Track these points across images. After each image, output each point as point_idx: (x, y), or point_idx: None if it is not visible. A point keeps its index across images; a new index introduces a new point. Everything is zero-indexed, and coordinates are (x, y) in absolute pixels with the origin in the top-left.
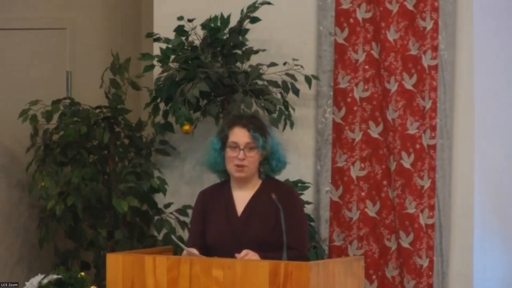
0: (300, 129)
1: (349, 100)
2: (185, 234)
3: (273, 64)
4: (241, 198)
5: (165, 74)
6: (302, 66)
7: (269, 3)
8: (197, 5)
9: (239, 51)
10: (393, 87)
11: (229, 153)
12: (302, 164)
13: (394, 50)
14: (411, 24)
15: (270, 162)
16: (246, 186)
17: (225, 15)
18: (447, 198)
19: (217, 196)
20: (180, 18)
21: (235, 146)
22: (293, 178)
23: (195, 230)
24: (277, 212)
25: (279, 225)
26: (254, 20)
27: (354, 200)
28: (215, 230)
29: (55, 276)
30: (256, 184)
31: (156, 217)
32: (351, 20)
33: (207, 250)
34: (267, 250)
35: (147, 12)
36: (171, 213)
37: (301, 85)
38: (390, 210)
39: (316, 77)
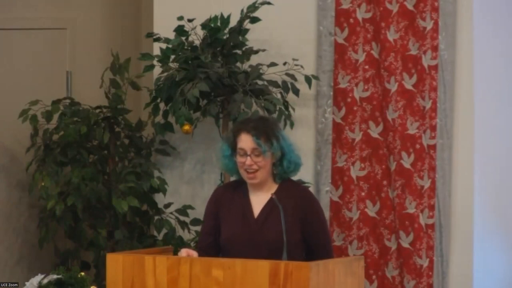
0: (300, 129)
1: (349, 100)
2: (185, 234)
3: (273, 64)
4: (258, 200)
5: (165, 74)
6: (302, 66)
7: (269, 3)
8: (197, 5)
9: (239, 51)
10: (393, 87)
11: (239, 159)
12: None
13: (394, 50)
14: (411, 24)
15: (282, 164)
16: (262, 189)
17: (225, 15)
18: (447, 198)
19: (232, 196)
20: (180, 18)
21: (243, 152)
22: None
23: (206, 229)
24: (294, 213)
25: (295, 226)
26: (254, 20)
27: (354, 200)
28: (231, 231)
29: (55, 276)
30: (272, 187)
31: (156, 217)
32: (351, 20)
33: (218, 249)
34: (282, 251)
35: (147, 12)
36: (171, 213)
37: (301, 85)
38: (390, 210)
39: (316, 77)
